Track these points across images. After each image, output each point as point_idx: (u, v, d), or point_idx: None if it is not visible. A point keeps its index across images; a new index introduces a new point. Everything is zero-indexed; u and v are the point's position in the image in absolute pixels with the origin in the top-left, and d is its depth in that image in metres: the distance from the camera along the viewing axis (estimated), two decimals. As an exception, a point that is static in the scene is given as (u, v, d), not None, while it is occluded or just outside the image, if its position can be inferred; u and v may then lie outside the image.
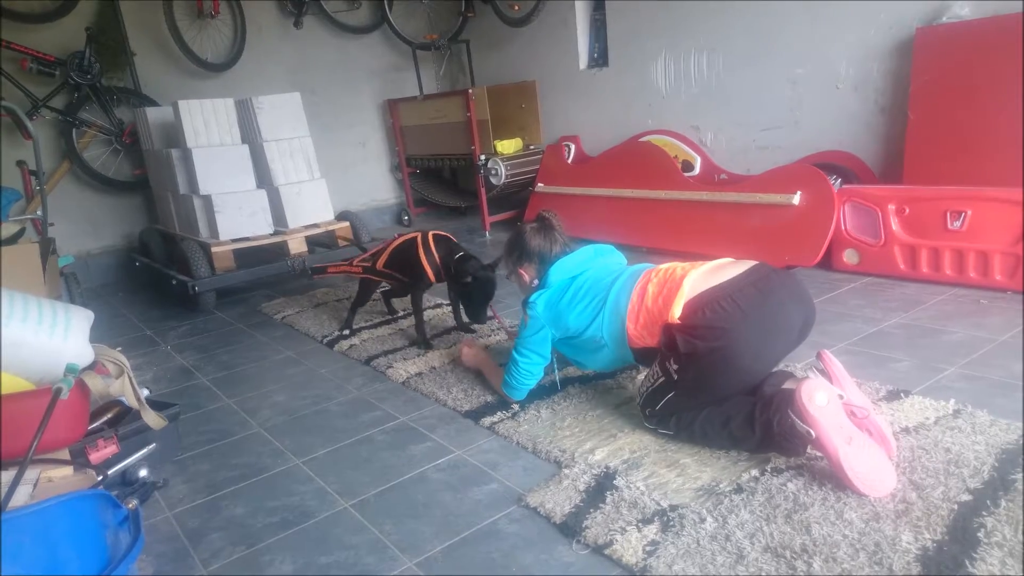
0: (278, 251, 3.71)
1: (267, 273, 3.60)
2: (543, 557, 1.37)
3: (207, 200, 3.58)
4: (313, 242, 3.79)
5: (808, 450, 1.55)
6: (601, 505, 1.48)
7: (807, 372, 1.69)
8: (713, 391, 1.65)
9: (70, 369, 1.54)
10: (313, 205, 3.84)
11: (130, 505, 1.36)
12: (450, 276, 2.44)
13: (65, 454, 1.61)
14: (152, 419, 1.78)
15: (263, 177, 3.76)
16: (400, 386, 2.32)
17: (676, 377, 1.65)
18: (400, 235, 2.66)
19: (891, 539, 1.27)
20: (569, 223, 4.17)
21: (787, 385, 1.62)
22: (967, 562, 1.19)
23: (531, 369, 1.96)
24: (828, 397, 1.46)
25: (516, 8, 4.64)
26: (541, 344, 1.93)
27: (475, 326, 2.72)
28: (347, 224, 3.88)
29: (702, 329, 1.59)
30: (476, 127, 4.56)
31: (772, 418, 1.53)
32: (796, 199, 3.07)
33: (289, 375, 2.54)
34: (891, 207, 2.80)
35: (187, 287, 3.33)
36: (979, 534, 1.25)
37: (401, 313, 3.08)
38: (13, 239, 3.03)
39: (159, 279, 3.82)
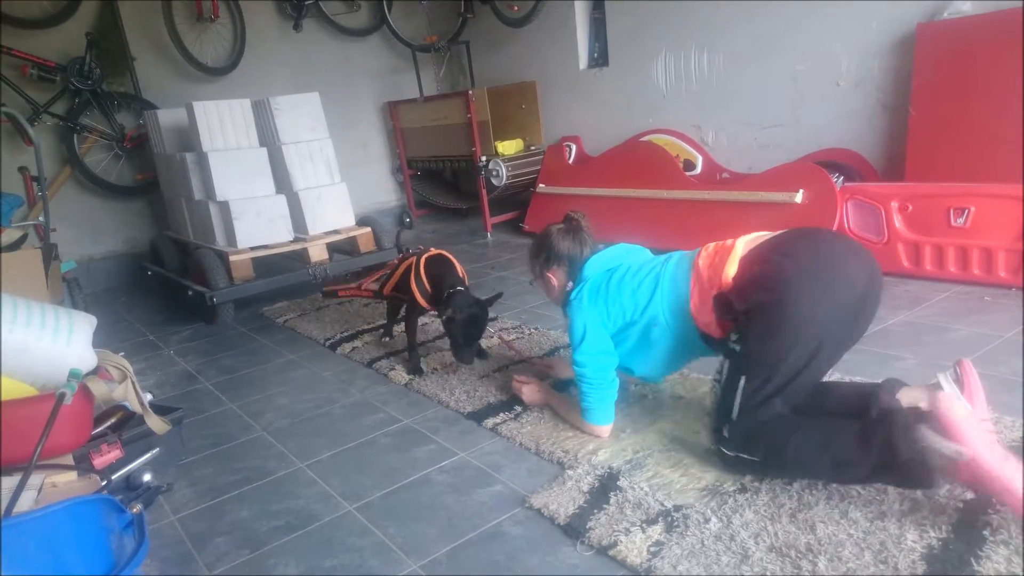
0: (297, 259, 3.56)
1: (288, 283, 3.42)
2: (548, 559, 1.37)
3: (224, 206, 3.41)
4: (333, 249, 3.63)
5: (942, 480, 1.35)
6: (605, 506, 1.48)
7: (935, 381, 1.45)
8: (786, 364, 1.42)
9: (73, 374, 1.54)
10: (334, 210, 3.66)
11: (134, 509, 1.36)
12: (439, 307, 2.28)
13: (69, 459, 1.62)
14: (156, 424, 1.78)
15: (281, 181, 3.58)
16: (403, 388, 2.32)
17: (739, 351, 1.48)
18: (403, 256, 2.56)
19: (896, 537, 1.26)
20: (571, 223, 4.20)
21: (906, 400, 1.44)
22: (973, 560, 1.19)
23: (602, 373, 1.74)
24: (967, 410, 1.32)
25: (515, 9, 4.64)
26: (599, 339, 1.74)
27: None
28: (368, 230, 3.71)
29: (754, 284, 1.47)
30: (477, 128, 4.56)
31: (896, 438, 1.29)
32: (799, 197, 3.06)
33: (292, 378, 2.54)
34: (894, 204, 2.79)
35: (205, 299, 3.16)
36: (984, 532, 1.25)
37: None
38: (15, 245, 3.04)
39: (173, 289, 3.67)
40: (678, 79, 4.11)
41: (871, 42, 3.20)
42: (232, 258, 3.28)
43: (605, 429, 1.79)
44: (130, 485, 1.74)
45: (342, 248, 3.70)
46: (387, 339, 2.78)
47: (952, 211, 2.63)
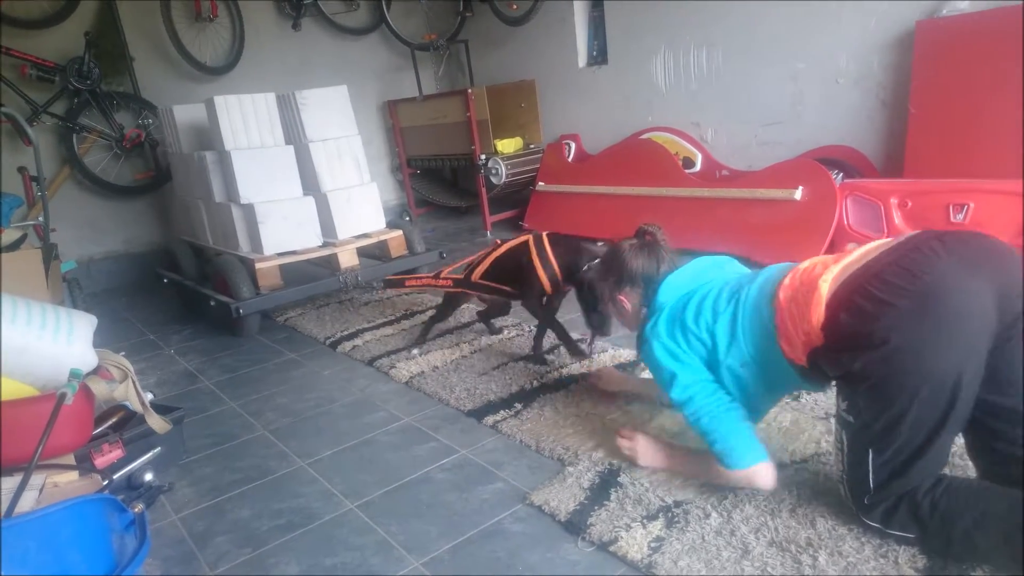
0: (324, 265, 3.35)
1: (318, 291, 3.18)
2: (549, 556, 1.37)
3: (248, 209, 3.14)
4: (362, 253, 3.38)
5: None
6: (606, 502, 1.48)
7: None
8: (915, 430, 1.16)
9: (74, 374, 1.55)
10: (364, 212, 3.40)
11: (136, 509, 1.36)
12: (574, 282, 2.07)
13: (70, 459, 1.62)
14: (156, 423, 1.79)
15: (308, 182, 3.32)
16: (403, 386, 2.32)
17: (855, 423, 1.23)
18: (500, 241, 2.36)
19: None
20: (570, 221, 4.22)
21: None
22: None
23: (715, 399, 1.41)
24: None
25: (514, 7, 4.63)
26: (693, 367, 1.44)
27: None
28: (400, 233, 3.45)
29: (848, 344, 1.19)
30: (476, 127, 4.56)
31: None
32: (798, 194, 3.06)
33: (292, 377, 2.54)
34: (893, 201, 2.79)
35: (229, 310, 2.89)
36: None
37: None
38: (15, 245, 3.03)
39: (191, 299, 3.47)
40: (677, 76, 4.10)
41: (870, 39, 3.20)
42: (258, 265, 3.03)
43: (763, 469, 1.38)
44: (131, 484, 1.74)
45: (371, 253, 3.46)
46: (416, 350, 2.56)
47: (951, 207, 2.63)
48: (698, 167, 3.93)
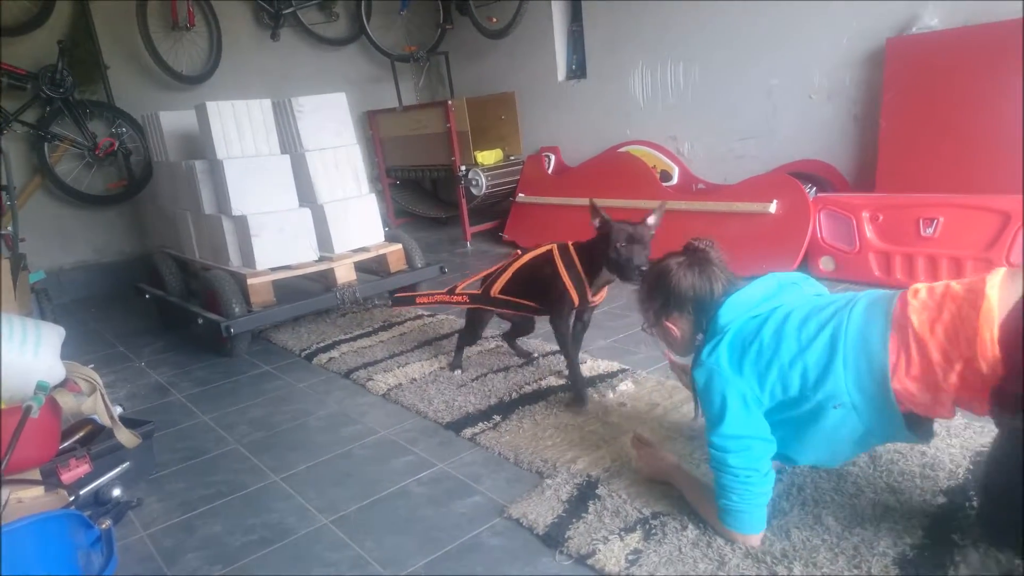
0: (320, 280, 3.19)
1: (313, 308, 3.01)
2: (527, 569, 1.36)
3: (240, 221, 2.97)
4: (359, 268, 3.22)
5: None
6: (584, 515, 1.48)
7: None
8: None
9: (41, 387, 1.51)
10: (362, 225, 3.24)
11: (103, 525, 1.33)
12: (599, 264, 1.94)
13: (36, 474, 1.58)
14: (125, 437, 1.75)
15: (304, 193, 3.17)
16: (380, 399, 2.30)
17: None
18: (520, 251, 2.19)
19: (870, 543, 1.28)
20: (549, 233, 4.23)
21: None
22: (948, 564, 1.20)
23: (752, 464, 1.27)
24: None
25: (494, 20, 4.67)
26: (748, 416, 1.27)
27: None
28: (399, 247, 3.28)
29: None
30: (456, 138, 4.57)
31: None
32: (773, 208, 3.11)
33: (267, 390, 2.50)
34: (865, 215, 2.85)
35: (219, 328, 2.69)
36: (954, 536, 1.27)
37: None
38: (-18, 255, 2.96)
39: (175, 316, 3.29)
40: (655, 91, 4.16)
41: (843, 56, 3.27)
42: (250, 281, 2.85)
43: (754, 539, 1.31)
44: (99, 500, 1.70)
45: (367, 267, 3.31)
46: (458, 371, 2.36)
47: (922, 221, 2.69)
48: (675, 180, 3.98)
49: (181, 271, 3.46)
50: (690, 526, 1.39)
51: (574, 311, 2.05)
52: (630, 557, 1.32)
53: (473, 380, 2.32)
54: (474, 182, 4.60)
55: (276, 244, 2.99)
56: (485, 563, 1.40)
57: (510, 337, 2.49)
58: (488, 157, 4.73)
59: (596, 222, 1.94)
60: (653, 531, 1.39)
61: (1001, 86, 2.68)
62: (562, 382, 2.22)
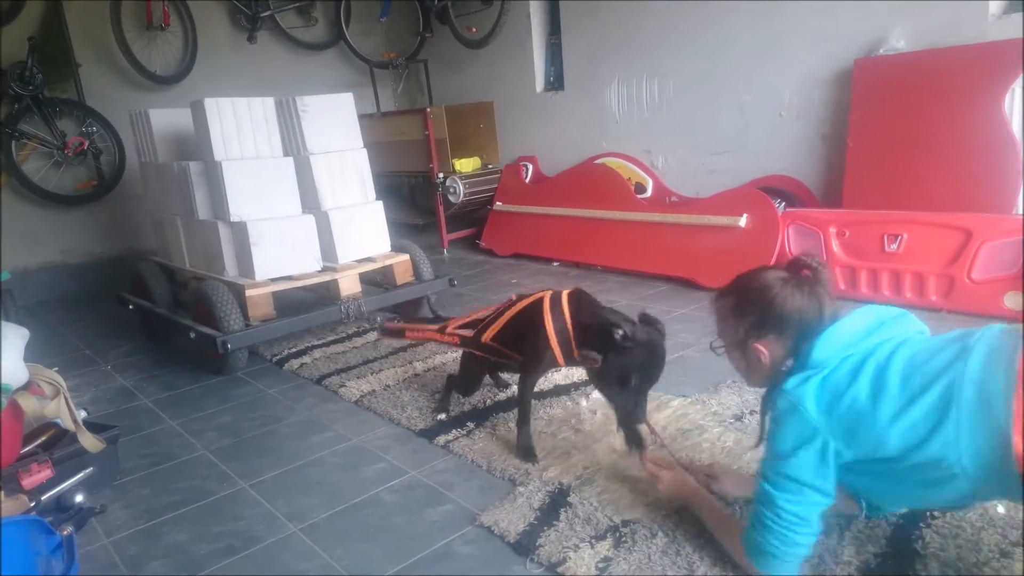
0: (322, 292, 2.99)
1: (316, 323, 2.81)
2: (497, 577, 1.37)
3: (239, 228, 2.76)
4: (364, 280, 3.02)
5: None
6: (555, 522, 1.49)
7: None
8: None
9: (3, 389, 1.47)
10: (368, 234, 3.05)
11: (64, 532, 1.30)
12: (594, 344, 1.61)
13: (-7, 480, 1.53)
14: (89, 442, 1.71)
15: (307, 199, 2.96)
16: (353, 406, 2.28)
17: None
18: (516, 296, 1.95)
19: (834, 552, 1.31)
20: (526, 242, 4.26)
21: None
22: (909, 573, 1.24)
23: (802, 514, 1.16)
24: None
25: (473, 30, 4.70)
26: (816, 469, 1.15)
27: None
28: (406, 257, 3.10)
29: None
30: (434, 145, 4.58)
31: None
32: (743, 222, 3.18)
33: (236, 396, 2.47)
34: (832, 230, 2.92)
35: (213, 344, 2.47)
36: (916, 546, 1.30)
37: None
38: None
39: (162, 329, 3.09)
40: (630, 105, 4.22)
41: (812, 75, 3.37)
42: (249, 292, 2.65)
43: None
44: (61, 506, 1.66)
45: (371, 279, 3.13)
46: (443, 415, 2.10)
47: (886, 237, 2.77)
48: (649, 192, 4.04)
49: (168, 280, 3.24)
50: (660, 533, 1.41)
51: (542, 368, 1.83)
52: (600, 565, 1.34)
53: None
54: (452, 190, 4.61)
55: (277, 253, 2.79)
56: (456, 571, 1.40)
57: (494, 369, 2.22)
58: (466, 165, 4.75)
59: (620, 333, 1.55)
60: (623, 539, 1.41)
61: (963, 107, 2.78)
62: (538, 390, 2.21)
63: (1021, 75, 2.63)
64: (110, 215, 4.49)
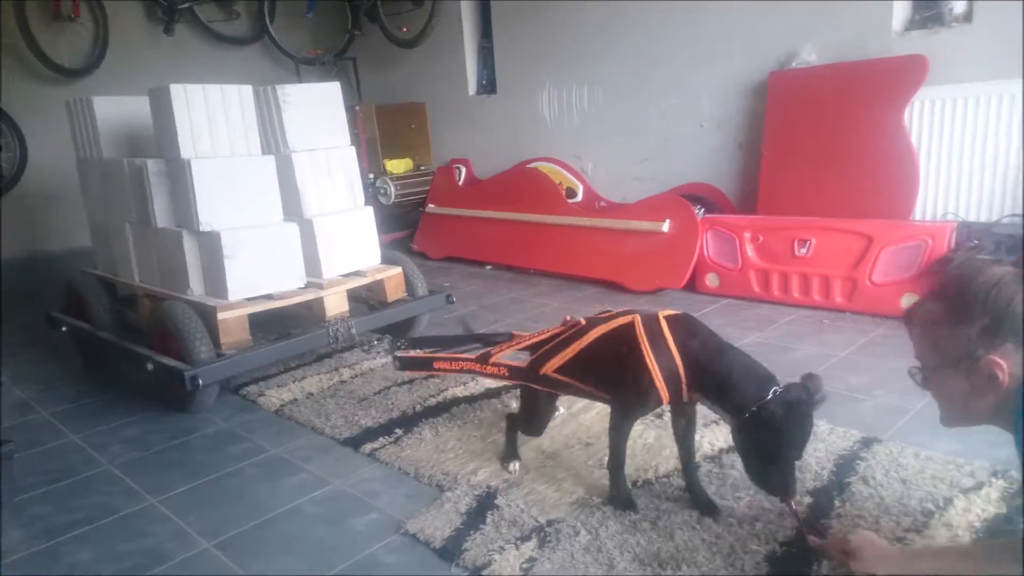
0: (302, 311, 2.58)
1: (300, 349, 2.43)
2: (420, 584, 1.35)
3: (210, 239, 2.34)
4: (352, 296, 2.63)
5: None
6: (482, 526, 1.48)
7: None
8: None
9: None
10: (357, 245, 2.70)
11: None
12: (715, 395, 1.36)
13: None
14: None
15: (289, 205, 2.59)
16: (273, 415, 2.20)
17: None
18: (585, 320, 1.61)
19: (744, 541, 1.37)
20: (459, 245, 4.24)
21: None
22: (812, 561, 1.30)
23: None
24: None
25: (404, 30, 4.66)
26: None
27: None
28: (399, 271, 2.76)
29: None
30: (364, 145, 4.50)
31: None
32: (666, 227, 3.28)
33: (144, 407, 2.33)
34: (747, 235, 3.06)
35: (180, 377, 2.05)
36: (825, 535, 1.38)
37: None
38: None
39: (107, 356, 2.65)
40: (561, 111, 4.29)
41: (731, 86, 3.52)
42: (222, 315, 2.25)
43: None
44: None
45: (356, 295, 2.71)
46: (515, 465, 1.73)
47: (796, 242, 2.92)
48: (579, 197, 4.11)
49: (111, 299, 2.79)
50: (582, 531, 1.43)
51: (658, 407, 1.50)
52: (524, 566, 1.34)
53: (376, 394, 2.27)
54: (383, 191, 4.54)
55: (255, 268, 2.38)
56: (378, 580, 1.37)
57: (540, 422, 1.78)
58: (398, 166, 4.70)
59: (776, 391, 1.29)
60: (548, 538, 1.42)
61: (867, 118, 2.96)
62: (468, 393, 2.21)
63: (921, 88, 2.83)
64: (6, 216, 4.17)
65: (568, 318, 1.68)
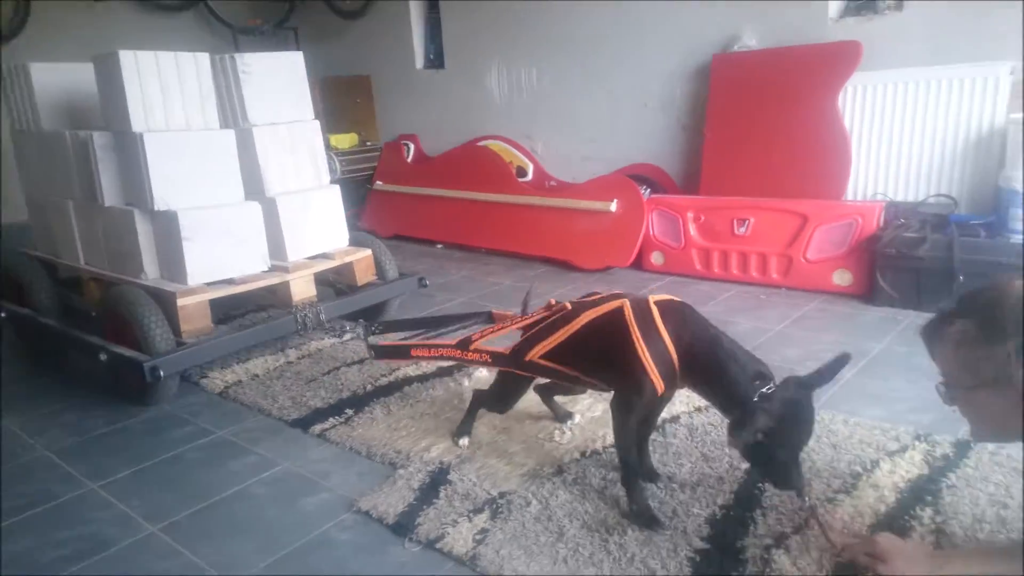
0: (267, 296, 2.51)
1: (266, 337, 2.32)
2: (375, 560, 1.36)
3: (167, 219, 2.21)
4: (319, 280, 2.55)
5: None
6: (435, 501, 1.50)
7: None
8: None
9: None
10: (323, 225, 2.59)
11: None
12: (708, 389, 1.36)
13: None
14: None
15: (249, 183, 2.44)
16: (217, 397, 2.16)
17: None
18: (570, 304, 1.55)
19: (687, 505, 1.44)
20: (408, 223, 4.20)
21: None
22: (749, 523, 1.37)
23: None
24: None
25: (347, 0, 4.52)
26: None
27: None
28: (369, 253, 2.66)
29: None
30: (306, 121, 4.37)
31: None
32: (613, 206, 3.34)
33: (80, 393, 2.24)
34: (690, 215, 3.15)
35: (139, 368, 1.92)
36: (761, 497, 1.45)
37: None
38: None
39: (52, 345, 2.46)
40: (511, 90, 4.27)
41: (675, 69, 3.58)
42: (182, 301, 2.13)
43: None
44: None
45: (323, 278, 2.61)
46: (465, 440, 1.76)
47: (736, 221, 3.02)
48: (530, 176, 4.12)
49: (54, 283, 2.64)
50: (533, 502, 1.47)
51: (655, 398, 1.42)
52: (477, 537, 1.37)
53: (324, 374, 2.25)
54: (328, 167, 4.44)
55: (216, 250, 2.25)
56: (331, 559, 1.38)
57: (547, 393, 1.84)
58: (342, 141, 4.59)
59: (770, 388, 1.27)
60: (500, 510, 1.46)
61: (804, 102, 3.07)
62: (420, 372, 2.21)
63: (855, 73, 2.94)
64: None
65: (553, 302, 1.62)
